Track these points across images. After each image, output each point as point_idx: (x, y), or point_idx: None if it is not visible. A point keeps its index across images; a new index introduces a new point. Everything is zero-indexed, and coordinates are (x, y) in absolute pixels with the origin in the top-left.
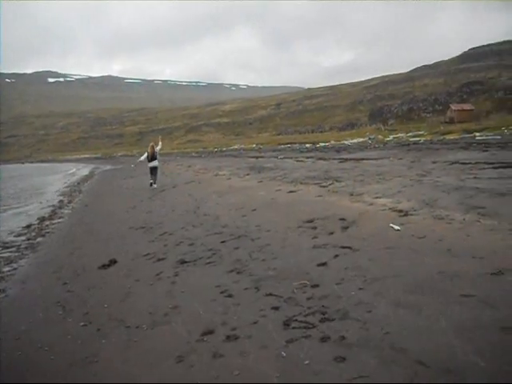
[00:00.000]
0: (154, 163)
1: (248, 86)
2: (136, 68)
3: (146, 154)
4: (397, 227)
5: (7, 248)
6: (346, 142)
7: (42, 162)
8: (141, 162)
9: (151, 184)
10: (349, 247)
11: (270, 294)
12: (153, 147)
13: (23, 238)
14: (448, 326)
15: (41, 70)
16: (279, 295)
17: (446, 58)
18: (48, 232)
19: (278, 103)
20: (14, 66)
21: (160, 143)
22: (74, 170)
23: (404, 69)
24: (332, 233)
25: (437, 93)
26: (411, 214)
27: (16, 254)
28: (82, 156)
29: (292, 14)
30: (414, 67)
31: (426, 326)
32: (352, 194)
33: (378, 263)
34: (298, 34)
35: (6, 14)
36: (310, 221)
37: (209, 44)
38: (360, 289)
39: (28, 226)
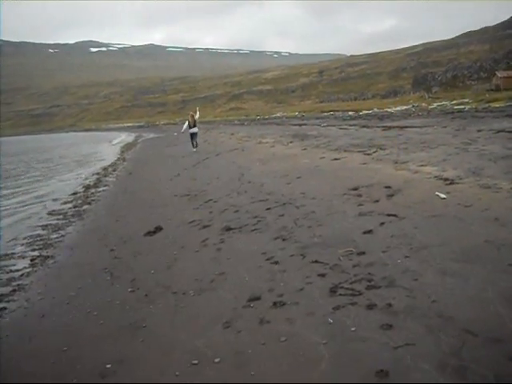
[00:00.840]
0: (194, 130)
1: (290, 53)
2: (177, 36)
3: (187, 123)
4: (443, 195)
5: (55, 215)
6: (389, 110)
7: (86, 130)
8: (184, 131)
9: (193, 146)
10: (394, 215)
11: (316, 261)
12: (192, 116)
13: (70, 205)
14: (495, 295)
15: (83, 39)
16: (325, 262)
17: (493, 24)
18: (94, 200)
19: (321, 70)
20: (56, 36)
21: (198, 112)
22: (118, 138)
23: (448, 35)
24: (377, 200)
25: (482, 59)
26: (457, 183)
27: (63, 221)
28: (125, 125)
29: None
30: (458, 33)
31: (473, 294)
32: (396, 162)
33: (424, 231)
34: (339, 1)
35: None
36: (355, 188)
37: (249, 12)
38: (406, 257)
39: (74, 194)
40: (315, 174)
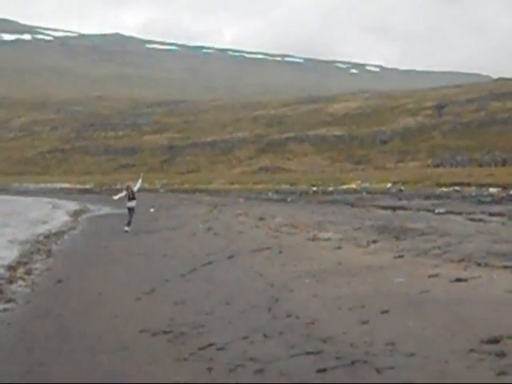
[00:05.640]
0: (132, 203)
1: (382, 67)
2: (168, 23)
3: (124, 192)
4: None
5: None
6: None
7: None
8: (119, 199)
9: (127, 224)
10: None
11: None
12: (129, 187)
13: None
14: None
15: None
16: None
17: None
18: None
19: (440, 105)
20: None
21: (139, 181)
22: (40, 210)
23: None
24: None
25: None
26: None
27: None
28: (58, 185)
29: None
30: None
31: None
32: None
33: None
34: None
35: None
36: (494, 341)
37: None
38: None
39: None
40: (417, 308)
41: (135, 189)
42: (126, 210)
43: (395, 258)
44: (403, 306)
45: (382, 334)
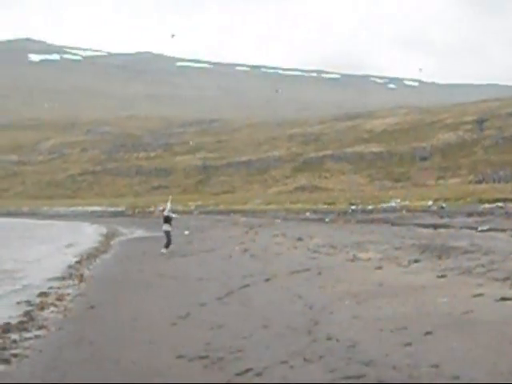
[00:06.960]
0: (165, 227)
1: (421, 82)
2: (199, 40)
3: (169, 205)
4: None
5: None
6: None
7: (10, 215)
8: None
9: (165, 246)
10: None
11: None
12: (163, 211)
13: None
14: None
15: (16, 37)
16: None
17: None
18: (16, 355)
19: (481, 119)
20: None
21: (168, 204)
22: (71, 235)
23: None
24: None
25: None
26: None
27: None
28: (89, 209)
29: None
30: None
31: None
32: None
33: None
34: None
35: None
36: None
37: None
38: None
39: None
40: (462, 328)
41: (165, 212)
42: (161, 233)
43: (438, 277)
44: (447, 326)
45: (425, 357)
